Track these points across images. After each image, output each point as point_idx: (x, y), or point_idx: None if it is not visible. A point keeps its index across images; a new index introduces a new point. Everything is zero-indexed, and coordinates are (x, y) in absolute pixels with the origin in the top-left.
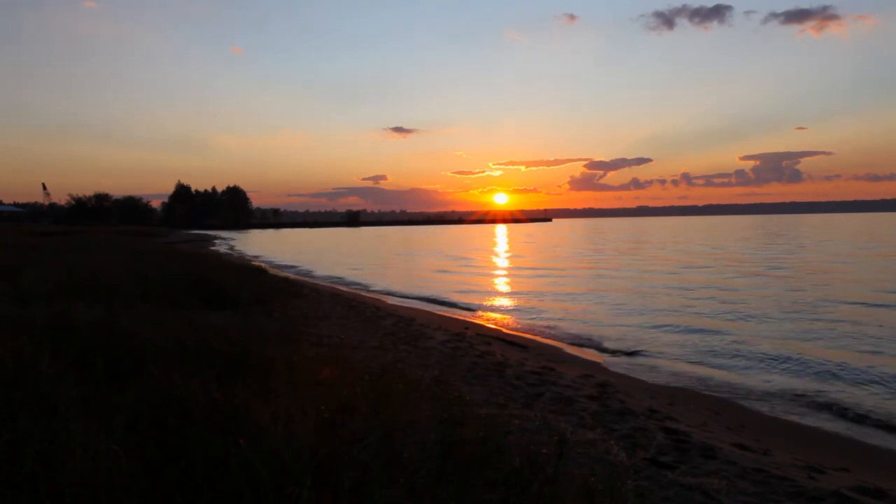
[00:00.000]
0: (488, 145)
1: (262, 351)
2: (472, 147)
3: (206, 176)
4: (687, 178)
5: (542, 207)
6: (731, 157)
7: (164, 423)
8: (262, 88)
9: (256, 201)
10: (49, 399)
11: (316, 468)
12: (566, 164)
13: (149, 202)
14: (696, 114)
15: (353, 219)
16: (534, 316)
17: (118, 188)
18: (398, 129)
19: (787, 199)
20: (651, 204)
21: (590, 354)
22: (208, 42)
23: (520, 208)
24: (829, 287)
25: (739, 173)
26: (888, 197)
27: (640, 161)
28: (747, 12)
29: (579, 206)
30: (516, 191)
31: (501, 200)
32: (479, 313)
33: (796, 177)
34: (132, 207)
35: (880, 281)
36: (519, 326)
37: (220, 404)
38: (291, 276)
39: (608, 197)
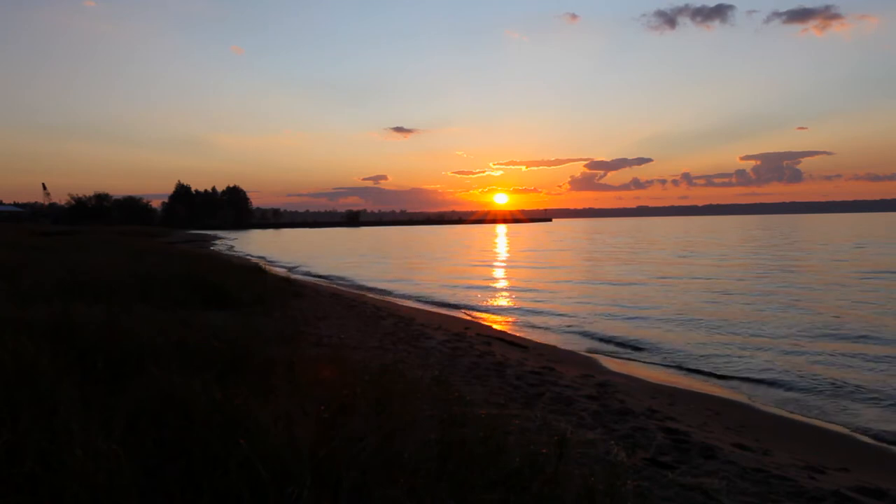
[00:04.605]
0: (489, 145)
1: (262, 351)
2: (472, 147)
3: (206, 176)
4: (687, 178)
5: (542, 207)
6: (731, 156)
7: (164, 423)
8: (262, 88)
9: (256, 201)
10: (49, 399)
11: (316, 468)
12: (567, 164)
13: (149, 202)
14: (697, 113)
15: (353, 219)
16: (534, 316)
17: (118, 188)
18: (398, 129)
19: (788, 199)
20: (651, 204)
21: (590, 354)
22: (208, 42)
23: (520, 208)
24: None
25: (740, 173)
26: (888, 197)
27: (641, 161)
28: (749, 11)
29: (580, 206)
30: (517, 191)
31: (502, 200)
32: (479, 313)
33: (797, 177)
34: (132, 207)
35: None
36: (519, 326)
37: (220, 404)
38: (292, 275)
39: (609, 197)
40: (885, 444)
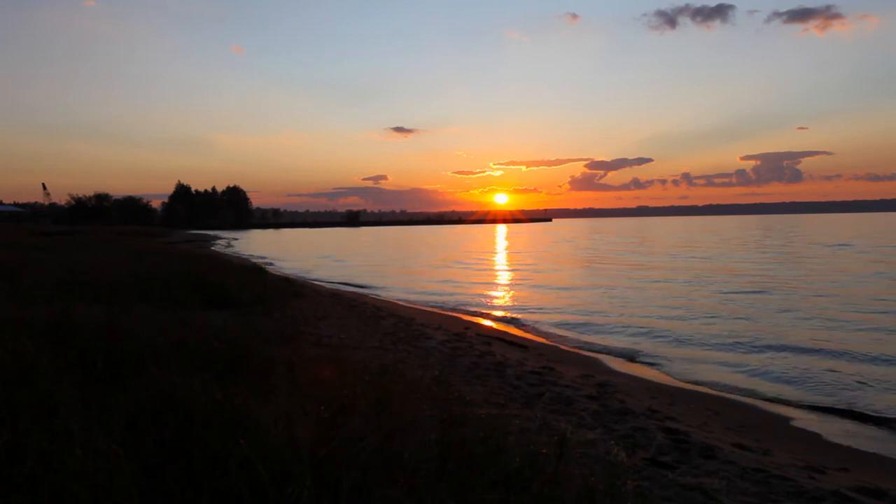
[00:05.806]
0: (489, 145)
1: (262, 351)
2: (472, 147)
3: (206, 176)
4: (688, 178)
5: (542, 207)
6: (732, 156)
7: (164, 423)
8: (263, 88)
9: (256, 201)
10: (49, 399)
11: (316, 468)
12: (567, 164)
13: (149, 202)
14: (698, 113)
15: (352, 219)
16: (534, 316)
17: (118, 188)
18: (398, 129)
19: (788, 199)
20: (651, 204)
21: (590, 354)
22: (208, 42)
23: (520, 208)
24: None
25: (740, 173)
26: (888, 197)
27: (641, 161)
28: (750, 11)
29: (580, 206)
30: (517, 191)
31: (502, 200)
32: (479, 313)
33: (797, 177)
34: (132, 207)
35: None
36: (519, 327)
37: (220, 404)
38: (291, 275)
39: (609, 197)
40: (884, 446)
